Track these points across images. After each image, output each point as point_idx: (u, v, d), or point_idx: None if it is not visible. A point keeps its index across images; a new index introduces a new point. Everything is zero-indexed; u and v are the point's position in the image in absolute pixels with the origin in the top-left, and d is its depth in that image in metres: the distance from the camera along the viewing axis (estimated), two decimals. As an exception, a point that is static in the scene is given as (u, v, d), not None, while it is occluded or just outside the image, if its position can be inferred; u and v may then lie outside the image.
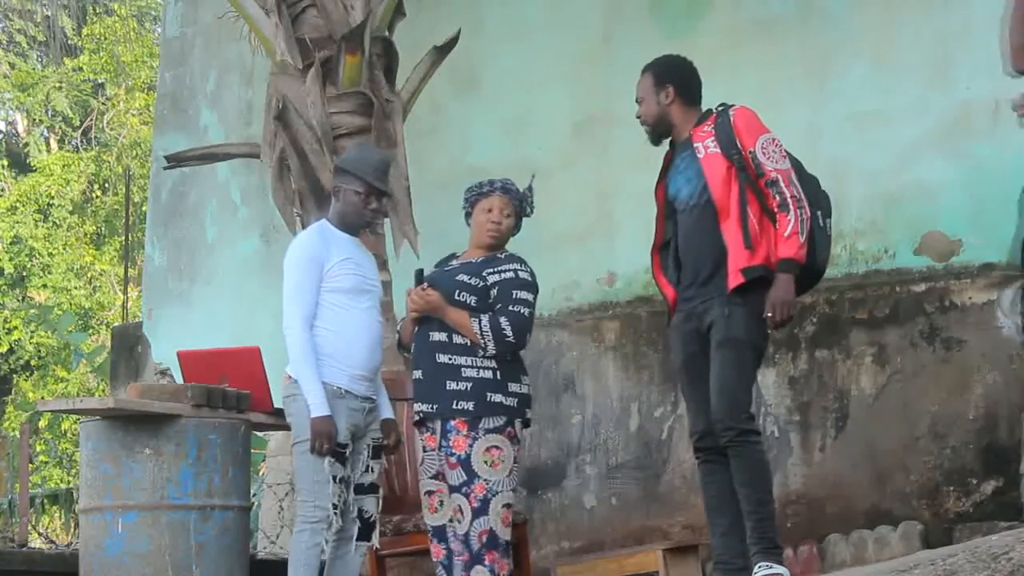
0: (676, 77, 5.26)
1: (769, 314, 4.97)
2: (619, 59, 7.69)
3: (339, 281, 5.31)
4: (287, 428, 5.45)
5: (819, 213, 5.13)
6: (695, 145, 5.15)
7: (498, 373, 5.29)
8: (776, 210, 5.00)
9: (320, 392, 5.18)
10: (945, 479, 6.67)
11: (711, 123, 5.17)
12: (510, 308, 5.30)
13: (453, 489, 5.26)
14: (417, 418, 5.43)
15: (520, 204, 5.49)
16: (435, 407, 5.31)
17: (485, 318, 5.27)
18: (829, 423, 7.00)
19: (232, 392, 5.82)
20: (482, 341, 5.26)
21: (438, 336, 5.34)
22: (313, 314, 5.28)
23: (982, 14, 6.94)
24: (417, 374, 5.40)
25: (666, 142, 5.36)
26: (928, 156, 7.01)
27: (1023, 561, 3.71)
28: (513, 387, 5.31)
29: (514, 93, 8.14)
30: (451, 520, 5.29)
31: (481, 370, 5.28)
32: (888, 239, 7.07)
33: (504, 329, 5.26)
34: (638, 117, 5.31)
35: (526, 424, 5.41)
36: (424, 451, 5.40)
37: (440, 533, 5.34)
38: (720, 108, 5.22)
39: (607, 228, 7.78)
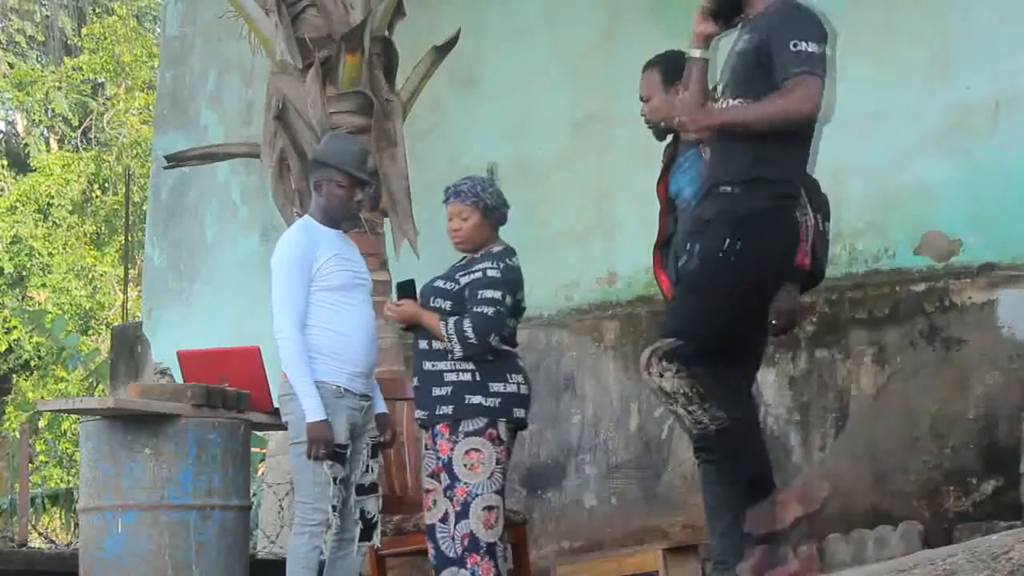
0: (680, 75, 5.22)
1: (774, 322, 4.97)
2: (619, 59, 7.68)
3: (330, 279, 5.28)
4: (286, 428, 5.45)
5: (819, 217, 5.13)
6: (702, 145, 5.12)
7: (477, 375, 5.30)
8: (783, 217, 4.99)
9: (315, 396, 5.16)
10: (945, 479, 6.67)
11: (720, 123, 5.13)
12: (475, 309, 5.31)
13: (444, 492, 5.31)
14: (417, 423, 5.52)
15: (477, 199, 5.46)
16: (426, 414, 5.37)
17: (451, 321, 5.29)
18: (829, 423, 7.00)
19: (232, 392, 5.82)
20: (449, 344, 5.29)
21: (422, 344, 5.41)
22: (304, 315, 5.24)
23: (982, 14, 6.94)
24: (415, 381, 5.47)
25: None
26: (928, 156, 7.01)
27: (1023, 561, 3.70)
28: (496, 387, 5.30)
29: (514, 93, 8.13)
30: (442, 520, 5.33)
31: (460, 373, 5.31)
32: (888, 239, 7.07)
33: (465, 331, 5.26)
34: (643, 115, 5.26)
35: (520, 424, 5.40)
36: (425, 449, 5.44)
37: (431, 532, 5.36)
38: None
39: (607, 227, 7.77)
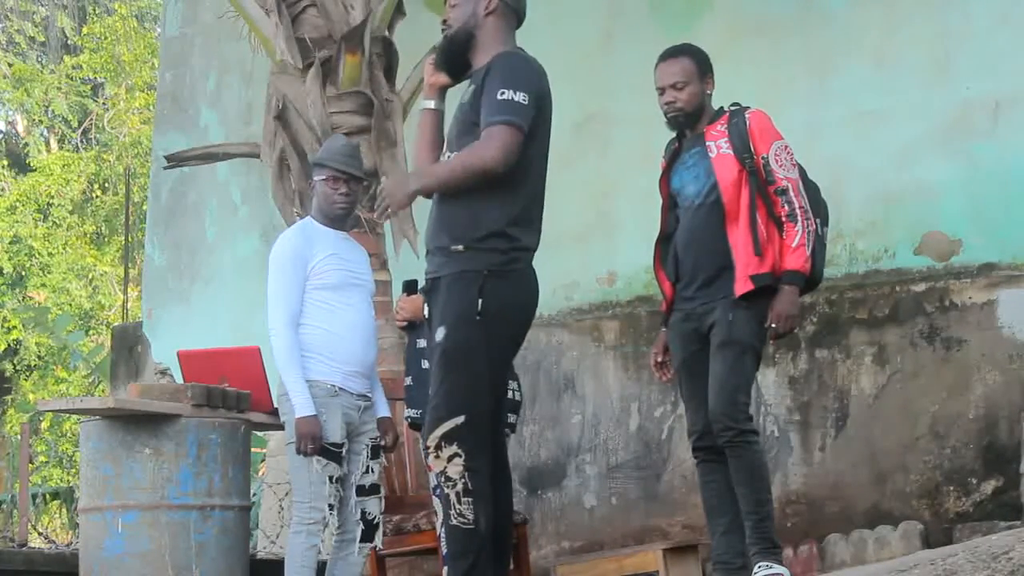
0: (711, 68, 5.20)
1: (773, 325, 4.96)
2: (619, 59, 7.68)
3: (325, 278, 5.29)
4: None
5: (818, 221, 5.13)
6: (707, 144, 5.10)
7: None
8: (784, 219, 4.98)
9: (305, 392, 5.16)
10: (945, 479, 6.67)
11: (724, 123, 5.11)
12: None
13: (433, 491, 5.33)
14: (407, 422, 5.56)
15: None
16: (419, 413, 5.38)
17: None
18: (829, 423, 7.00)
19: (232, 392, 5.82)
20: None
21: (422, 343, 5.42)
22: (298, 313, 5.25)
23: (982, 14, 6.94)
24: (407, 380, 5.48)
25: (669, 133, 5.31)
26: (928, 156, 7.01)
27: (1023, 561, 3.71)
28: None
29: (514, 93, 8.11)
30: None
31: None
32: (888, 239, 7.07)
33: None
34: (671, 102, 5.15)
35: (511, 428, 5.42)
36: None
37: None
38: (734, 108, 5.16)
39: (607, 228, 7.77)
